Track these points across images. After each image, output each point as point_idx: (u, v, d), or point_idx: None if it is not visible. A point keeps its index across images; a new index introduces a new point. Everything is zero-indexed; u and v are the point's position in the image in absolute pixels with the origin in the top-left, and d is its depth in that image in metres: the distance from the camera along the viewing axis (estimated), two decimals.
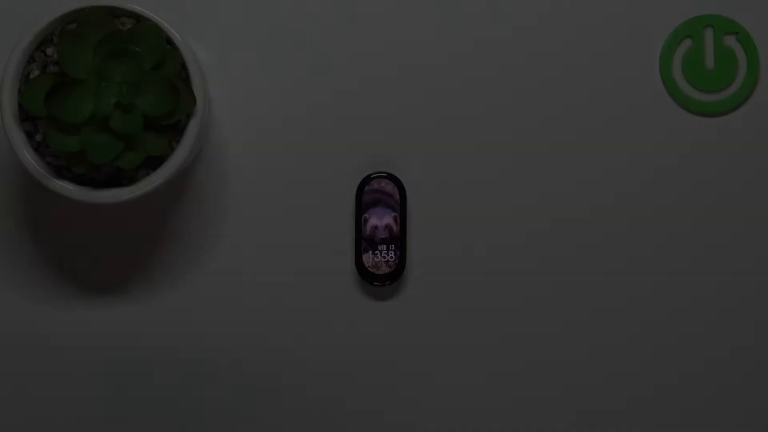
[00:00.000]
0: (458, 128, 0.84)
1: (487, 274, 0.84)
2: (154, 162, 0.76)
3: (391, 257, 0.83)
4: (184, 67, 0.76)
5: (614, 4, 0.84)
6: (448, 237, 0.84)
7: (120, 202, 0.75)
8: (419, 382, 0.84)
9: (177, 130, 0.76)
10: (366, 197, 0.83)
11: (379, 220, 0.83)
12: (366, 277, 0.83)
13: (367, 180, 0.83)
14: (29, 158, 0.75)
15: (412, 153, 0.84)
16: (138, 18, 0.76)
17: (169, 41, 0.75)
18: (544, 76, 0.84)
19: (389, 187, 0.83)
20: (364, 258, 0.83)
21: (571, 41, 0.84)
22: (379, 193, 0.83)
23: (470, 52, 0.84)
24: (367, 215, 0.83)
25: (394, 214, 0.83)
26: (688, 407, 0.84)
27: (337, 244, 0.84)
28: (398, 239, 0.83)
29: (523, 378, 0.84)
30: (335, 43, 0.84)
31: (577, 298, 0.84)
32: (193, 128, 0.75)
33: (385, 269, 0.83)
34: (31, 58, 0.76)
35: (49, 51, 0.76)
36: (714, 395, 0.84)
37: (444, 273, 0.84)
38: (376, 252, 0.83)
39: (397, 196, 0.83)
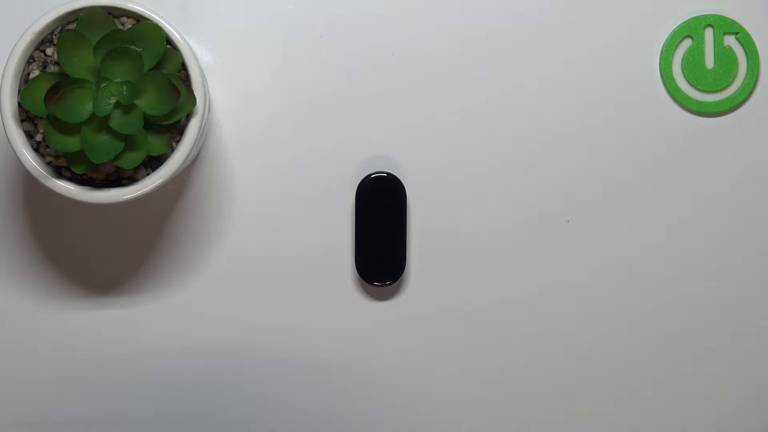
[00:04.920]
0: (459, 128, 0.84)
1: (487, 274, 0.84)
2: (154, 162, 0.76)
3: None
4: (184, 67, 0.76)
5: (614, 4, 0.84)
6: (448, 237, 0.84)
7: (120, 202, 0.75)
8: (419, 383, 0.84)
9: (177, 130, 0.76)
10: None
11: None
12: (366, 277, 0.83)
13: (367, 180, 0.83)
14: (29, 158, 0.75)
15: (412, 153, 0.84)
16: (138, 18, 0.76)
17: (169, 41, 0.75)
18: (544, 76, 0.84)
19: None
20: None
21: (571, 41, 0.84)
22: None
23: (471, 52, 0.84)
24: None
25: None
26: (689, 407, 0.84)
27: (337, 244, 0.84)
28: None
29: (524, 378, 0.84)
30: (336, 42, 0.84)
31: (579, 299, 0.84)
32: (193, 128, 0.75)
33: None
34: (31, 58, 0.76)
35: (49, 51, 0.76)
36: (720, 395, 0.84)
37: (444, 273, 0.84)
38: None
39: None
